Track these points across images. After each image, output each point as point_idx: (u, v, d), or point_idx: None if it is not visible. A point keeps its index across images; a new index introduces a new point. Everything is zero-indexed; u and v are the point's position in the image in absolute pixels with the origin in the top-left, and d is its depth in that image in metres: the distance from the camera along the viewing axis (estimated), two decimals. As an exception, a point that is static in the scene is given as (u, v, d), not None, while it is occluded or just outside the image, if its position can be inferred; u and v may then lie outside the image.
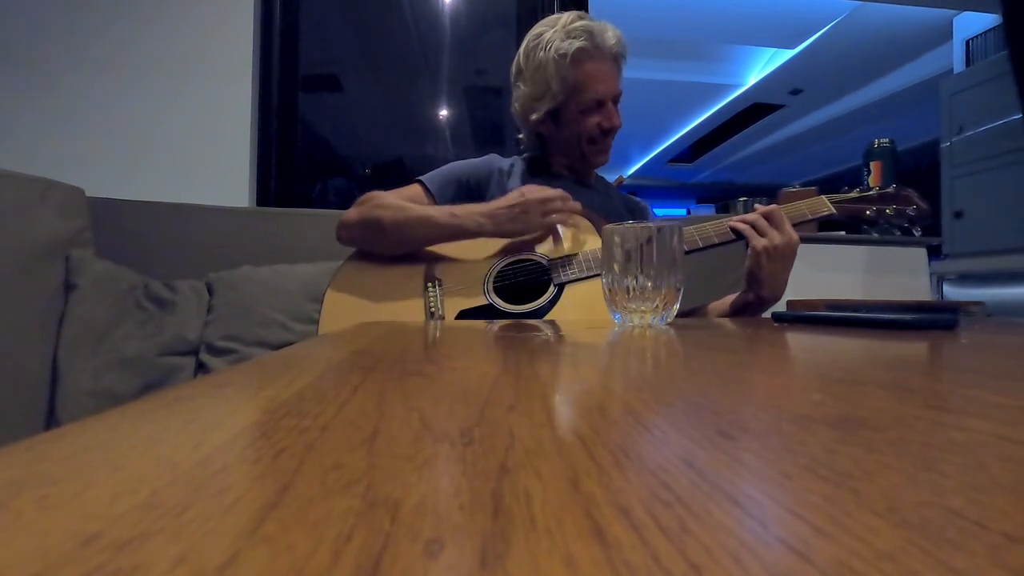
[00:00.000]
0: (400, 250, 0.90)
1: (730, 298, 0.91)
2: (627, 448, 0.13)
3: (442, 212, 0.87)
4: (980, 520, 0.09)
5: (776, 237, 0.80)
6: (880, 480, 0.11)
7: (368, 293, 0.89)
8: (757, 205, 0.85)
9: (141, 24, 1.55)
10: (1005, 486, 0.11)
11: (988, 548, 0.08)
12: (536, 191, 0.85)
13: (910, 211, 0.86)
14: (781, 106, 5.08)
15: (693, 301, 0.98)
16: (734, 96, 4.88)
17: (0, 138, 1.45)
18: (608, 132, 0.98)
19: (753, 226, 0.81)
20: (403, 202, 0.89)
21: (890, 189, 0.88)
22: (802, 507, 0.10)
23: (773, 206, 0.83)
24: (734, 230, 0.83)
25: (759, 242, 0.80)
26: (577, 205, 0.88)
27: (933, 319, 0.49)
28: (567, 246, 0.89)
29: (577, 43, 0.92)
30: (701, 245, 0.84)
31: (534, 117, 0.98)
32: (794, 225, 0.85)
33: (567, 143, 1.00)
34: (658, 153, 6.52)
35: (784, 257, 0.81)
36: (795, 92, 4.77)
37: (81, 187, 1.14)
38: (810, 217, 0.87)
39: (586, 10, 1.86)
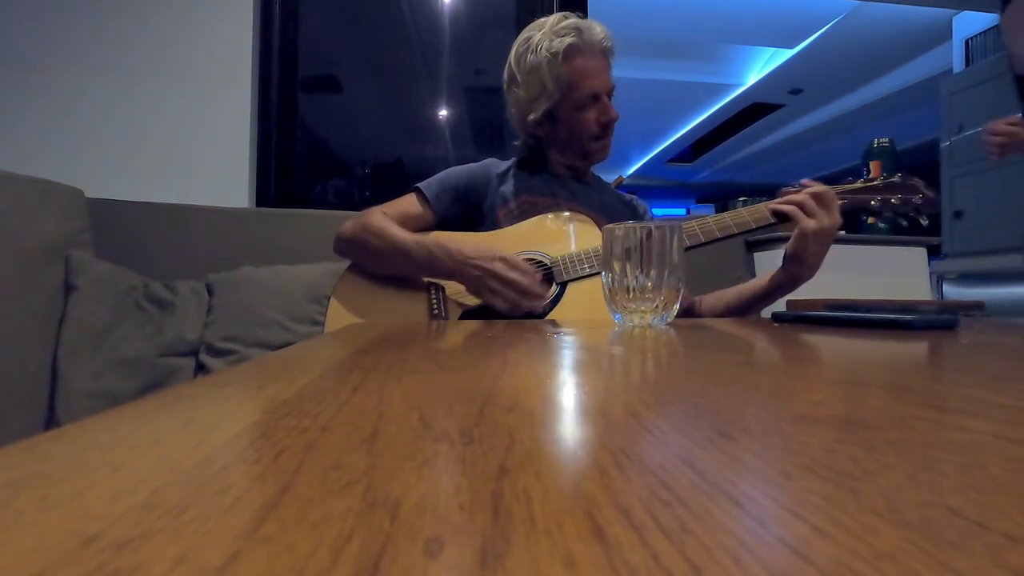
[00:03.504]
0: (386, 274, 0.90)
1: (753, 284, 0.89)
2: (627, 448, 0.13)
3: (422, 247, 0.85)
4: (980, 520, 0.09)
5: (825, 219, 0.78)
6: (880, 480, 0.11)
7: (372, 295, 0.89)
8: (804, 181, 0.82)
9: (140, 25, 1.55)
10: (1005, 486, 0.11)
11: (988, 548, 0.08)
12: (507, 266, 0.80)
13: (916, 200, 0.83)
14: (781, 106, 5.08)
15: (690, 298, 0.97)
16: (734, 96, 4.89)
17: (0, 138, 1.45)
18: (607, 126, 0.98)
19: (801, 207, 0.79)
20: (391, 229, 0.87)
21: (895, 178, 0.85)
22: (802, 507, 0.10)
23: (825, 187, 0.80)
24: (777, 213, 0.81)
25: (809, 224, 0.77)
26: (538, 306, 0.82)
27: (933, 319, 0.49)
28: (570, 244, 0.89)
29: (568, 40, 0.93)
30: (736, 231, 0.82)
31: (532, 118, 0.98)
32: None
33: (566, 142, 1.00)
34: (658, 153, 6.52)
35: (829, 238, 0.79)
36: (795, 92, 4.78)
37: (81, 188, 1.13)
38: None
39: (585, 10, 1.86)
